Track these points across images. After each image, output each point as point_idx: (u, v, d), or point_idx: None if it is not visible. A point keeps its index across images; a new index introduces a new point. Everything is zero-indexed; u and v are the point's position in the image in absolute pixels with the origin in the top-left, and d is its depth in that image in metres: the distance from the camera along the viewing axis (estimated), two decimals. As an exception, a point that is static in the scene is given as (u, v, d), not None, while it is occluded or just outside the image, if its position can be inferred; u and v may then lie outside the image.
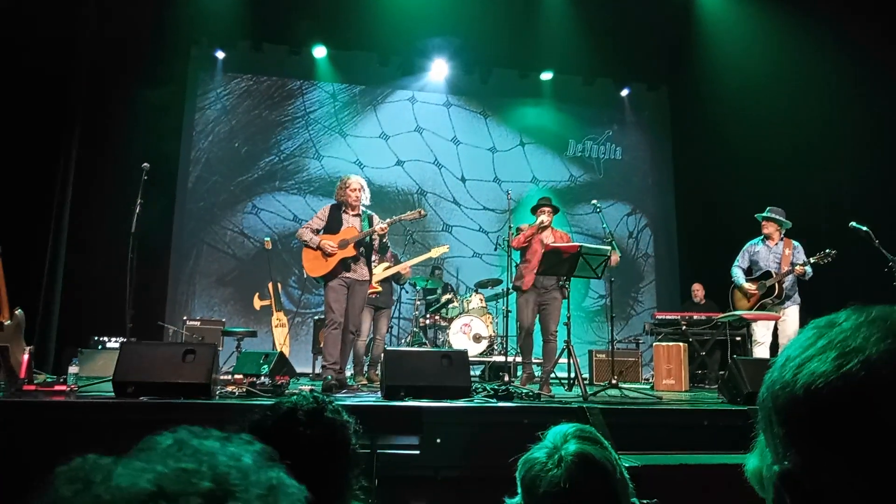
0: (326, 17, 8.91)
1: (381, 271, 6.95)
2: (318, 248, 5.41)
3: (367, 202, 5.70)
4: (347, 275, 5.43)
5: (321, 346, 6.29)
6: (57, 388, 4.40)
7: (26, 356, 4.60)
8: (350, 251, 5.44)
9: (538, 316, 5.95)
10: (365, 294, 5.64)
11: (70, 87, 7.58)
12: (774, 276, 6.37)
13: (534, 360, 6.37)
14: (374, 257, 6.99)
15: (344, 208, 5.59)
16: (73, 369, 4.47)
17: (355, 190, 5.55)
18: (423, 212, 5.99)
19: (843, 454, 0.57)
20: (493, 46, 9.60)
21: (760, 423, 0.67)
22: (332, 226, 5.54)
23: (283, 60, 9.82)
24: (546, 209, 6.07)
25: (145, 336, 6.17)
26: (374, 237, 5.55)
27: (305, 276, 5.98)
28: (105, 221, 7.31)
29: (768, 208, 6.62)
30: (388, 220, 5.65)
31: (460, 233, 10.38)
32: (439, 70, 10.38)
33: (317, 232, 5.52)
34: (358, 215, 5.62)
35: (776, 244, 6.51)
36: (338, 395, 4.85)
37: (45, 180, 7.34)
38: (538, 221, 6.01)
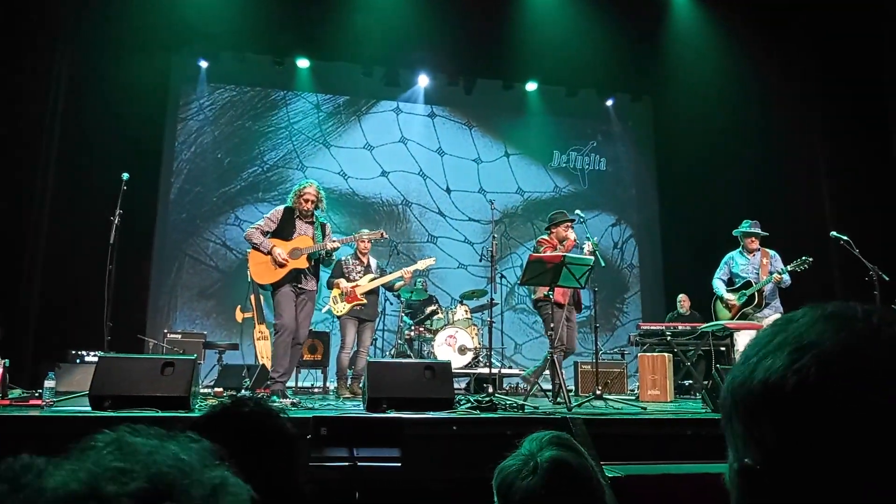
0: (310, 29, 8.88)
1: (366, 283, 6.89)
2: (269, 253, 5.33)
3: (322, 212, 5.67)
4: (297, 285, 5.40)
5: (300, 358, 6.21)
6: (31, 402, 4.31)
7: (0, 370, 4.51)
8: (302, 262, 5.38)
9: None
10: (313, 306, 5.58)
11: (49, 98, 7.51)
12: (754, 285, 6.43)
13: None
14: (359, 268, 6.97)
15: (297, 214, 5.52)
16: (48, 384, 4.38)
17: (308, 201, 5.50)
18: (384, 234, 6.10)
19: (799, 448, 0.58)
20: (477, 57, 9.62)
21: (722, 422, 0.67)
22: (284, 231, 5.46)
23: (266, 71, 9.79)
24: (570, 225, 6.09)
25: (125, 350, 6.06)
26: (323, 250, 5.50)
27: (249, 279, 5.92)
28: (84, 233, 7.21)
29: (745, 222, 6.69)
30: (345, 237, 5.70)
31: (445, 244, 10.35)
32: (423, 81, 10.41)
33: (266, 235, 5.44)
34: (311, 222, 5.56)
35: (754, 255, 6.58)
36: (320, 407, 4.79)
37: (22, 191, 7.24)
38: (574, 239, 6.01)
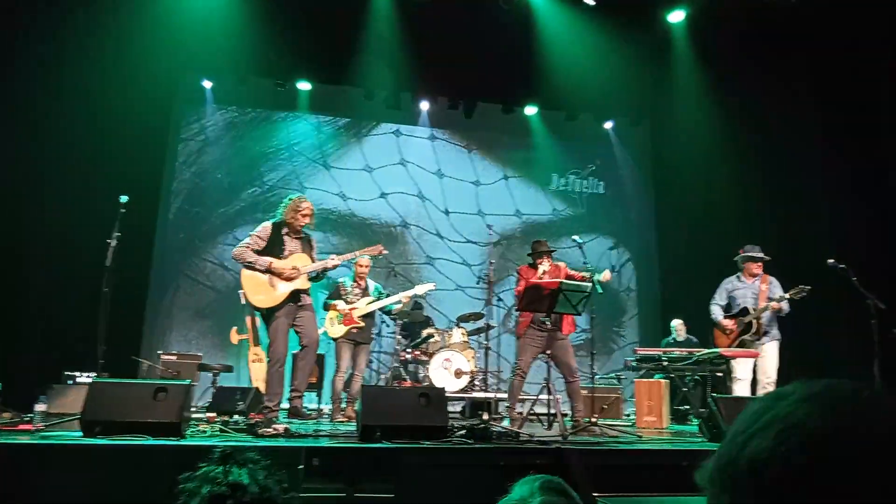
0: (311, 52, 8.95)
1: (363, 306, 6.88)
2: (268, 271, 4.97)
3: (311, 227, 5.34)
4: (294, 305, 5.07)
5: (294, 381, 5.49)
6: (21, 427, 4.27)
7: (-7, 393, 4.48)
8: (304, 282, 5.09)
9: (555, 358, 5.75)
10: (313, 313, 5.26)
11: (52, 118, 7.54)
12: (752, 311, 6.38)
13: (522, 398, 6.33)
14: (357, 291, 6.95)
15: (286, 230, 5.16)
16: (39, 407, 4.35)
17: (307, 216, 5.15)
18: (382, 249, 5.73)
19: None
20: (478, 82, 9.69)
21: (709, 497, 0.66)
22: (274, 249, 5.08)
23: (268, 93, 9.85)
24: (546, 258, 6.00)
25: (119, 371, 6.03)
26: (323, 269, 5.21)
27: (243, 301, 5.56)
28: (81, 253, 7.19)
29: (746, 247, 6.64)
30: (345, 254, 5.49)
31: (443, 265, 10.35)
32: (424, 105, 10.48)
33: (256, 253, 5.07)
34: (300, 238, 5.24)
35: (753, 280, 6.53)
36: (314, 433, 4.76)
37: (19, 210, 7.24)
38: (541, 272, 5.92)
